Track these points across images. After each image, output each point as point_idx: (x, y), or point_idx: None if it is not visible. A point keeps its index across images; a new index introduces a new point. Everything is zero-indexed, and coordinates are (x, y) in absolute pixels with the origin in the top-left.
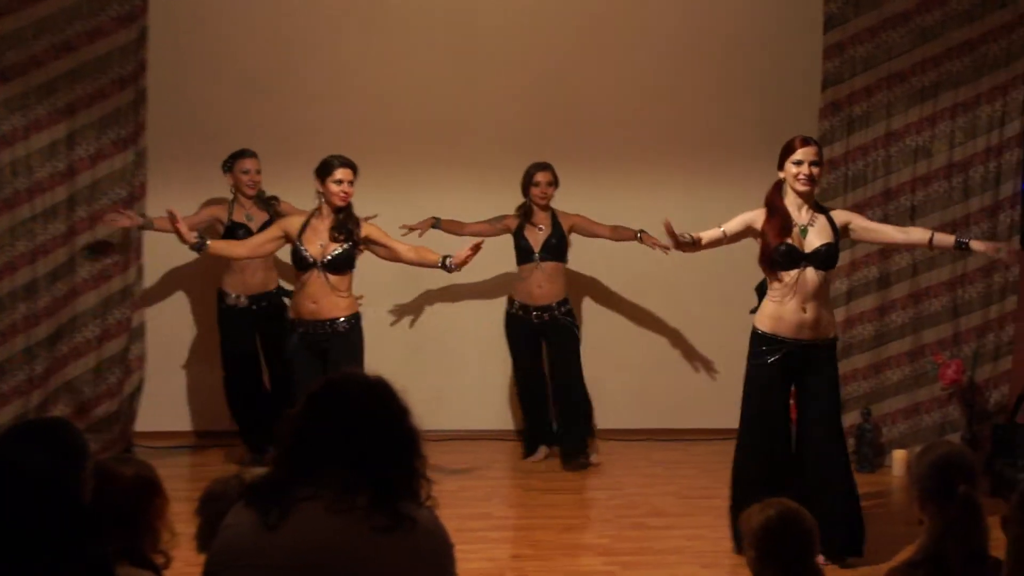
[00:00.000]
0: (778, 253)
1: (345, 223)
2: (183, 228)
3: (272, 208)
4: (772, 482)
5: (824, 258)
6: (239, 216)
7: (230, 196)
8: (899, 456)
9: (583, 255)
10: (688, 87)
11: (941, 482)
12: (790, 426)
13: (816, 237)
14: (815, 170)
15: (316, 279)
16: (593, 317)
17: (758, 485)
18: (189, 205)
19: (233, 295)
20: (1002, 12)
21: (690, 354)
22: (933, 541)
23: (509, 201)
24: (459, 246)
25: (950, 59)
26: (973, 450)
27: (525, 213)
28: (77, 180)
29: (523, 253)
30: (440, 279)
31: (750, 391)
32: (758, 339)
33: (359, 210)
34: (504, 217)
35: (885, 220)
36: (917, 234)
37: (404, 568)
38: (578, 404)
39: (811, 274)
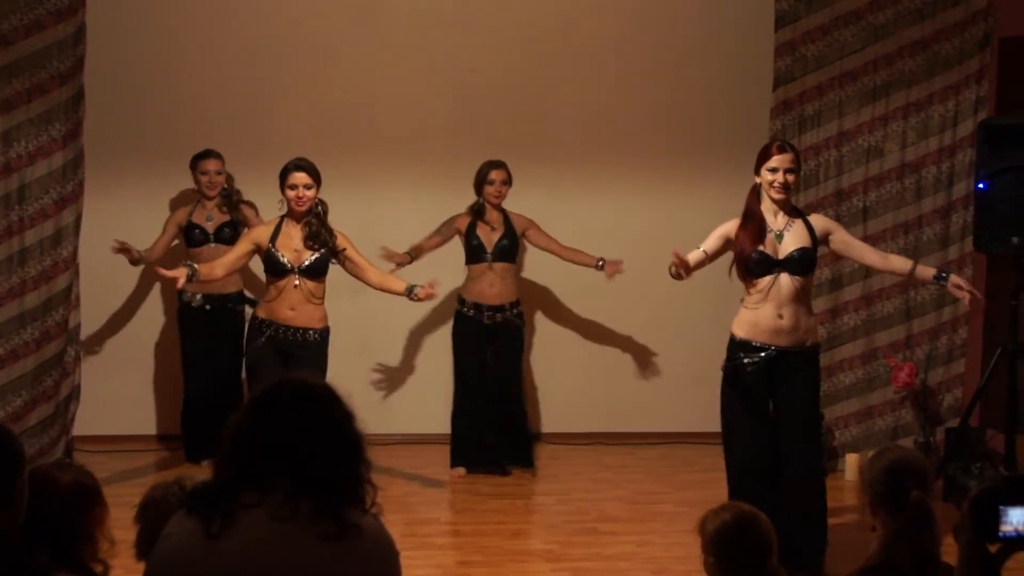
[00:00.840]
0: (751, 260)
1: (319, 233)
2: (178, 278)
3: (236, 213)
4: (763, 486)
5: (798, 263)
6: (199, 217)
7: (196, 195)
8: (852, 460)
9: (531, 259)
10: (642, 87)
11: (893, 487)
12: (768, 432)
13: (791, 242)
14: (790, 177)
15: (293, 285)
16: (541, 321)
17: (753, 491)
18: (127, 202)
19: (189, 293)
20: (954, 10)
21: (637, 358)
22: (885, 547)
23: (466, 200)
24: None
25: (902, 58)
26: (926, 454)
27: (477, 211)
28: (13, 178)
29: (474, 252)
30: None
31: (729, 399)
32: (735, 346)
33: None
34: (453, 220)
35: (837, 220)
36: (897, 263)
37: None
38: (519, 408)
39: (785, 280)
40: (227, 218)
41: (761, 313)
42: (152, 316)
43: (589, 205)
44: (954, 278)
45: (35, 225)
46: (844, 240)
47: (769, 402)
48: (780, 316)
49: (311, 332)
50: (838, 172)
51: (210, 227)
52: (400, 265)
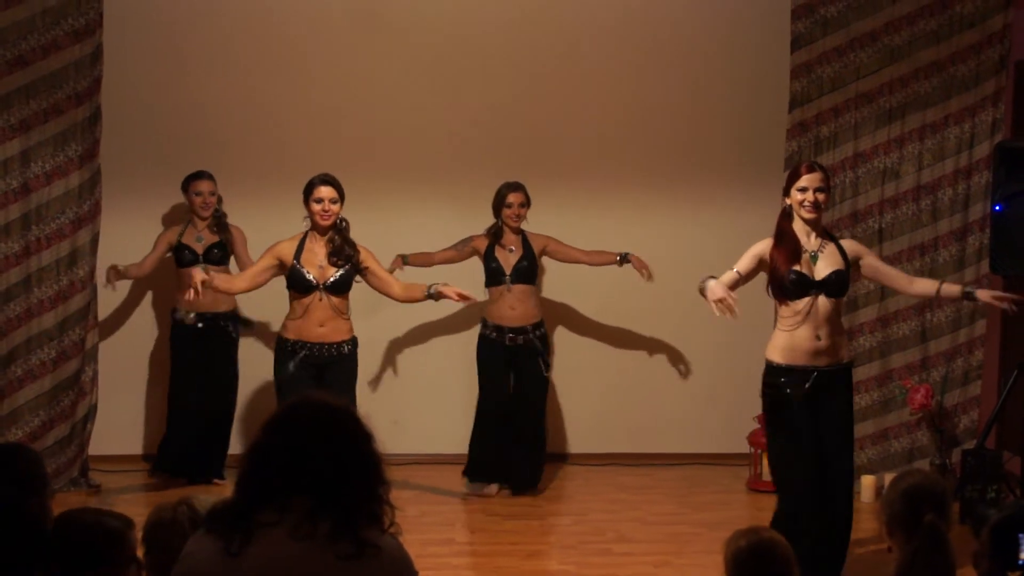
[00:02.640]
0: (789, 281)
1: (342, 248)
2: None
3: (226, 234)
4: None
5: (835, 286)
6: (188, 238)
7: (186, 215)
8: (868, 482)
9: (553, 279)
10: (658, 107)
11: (910, 510)
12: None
13: (826, 264)
14: (820, 196)
15: (320, 302)
16: (559, 341)
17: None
18: (144, 223)
19: (182, 311)
20: (970, 33)
21: (654, 379)
22: (901, 569)
23: (480, 219)
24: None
25: (918, 80)
26: (942, 476)
27: (495, 234)
28: (31, 198)
29: (493, 275)
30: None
31: (775, 428)
32: (775, 372)
33: None
34: (471, 239)
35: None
36: (924, 286)
37: None
38: (539, 432)
39: (823, 302)
40: (216, 239)
41: (798, 335)
42: (165, 335)
43: (604, 225)
44: (983, 292)
45: (52, 245)
46: (874, 265)
47: (814, 425)
48: (818, 338)
49: (345, 345)
50: (854, 194)
51: (199, 248)
52: (393, 270)
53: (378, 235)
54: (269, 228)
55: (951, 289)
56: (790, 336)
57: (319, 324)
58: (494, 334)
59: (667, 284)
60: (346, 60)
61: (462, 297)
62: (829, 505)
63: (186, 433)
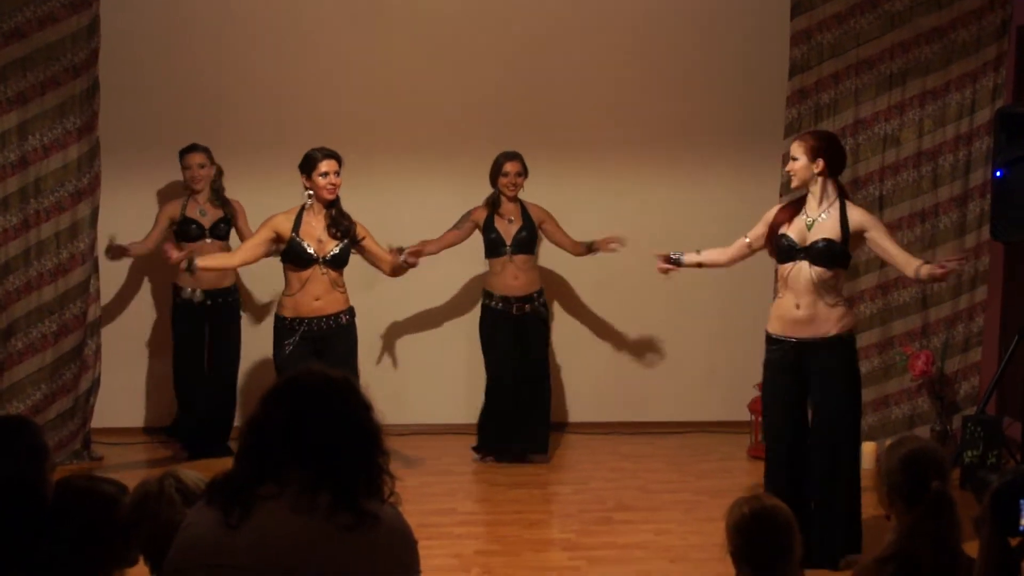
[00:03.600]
0: (777, 245)
1: (340, 220)
2: (174, 255)
3: (228, 208)
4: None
5: (819, 254)
6: (192, 212)
7: (186, 189)
8: (868, 449)
9: (550, 250)
10: (656, 75)
11: (911, 478)
12: (800, 422)
13: (819, 232)
14: (793, 165)
15: (319, 276)
16: (558, 312)
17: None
18: (143, 194)
19: (188, 289)
20: None
21: (655, 348)
22: (902, 537)
23: (479, 194)
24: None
25: (919, 46)
26: (942, 442)
27: (492, 203)
28: (29, 171)
29: (493, 246)
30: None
31: (764, 390)
32: (767, 340)
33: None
34: (470, 213)
35: None
36: (910, 270)
37: (368, 566)
38: (546, 395)
39: (804, 269)
40: (221, 213)
41: (782, 303)
42: (166, 309)
43: (602, 195)
44: (926, 268)
45: (51, 218)
46: (876, 241)
47: (801, 395)
48: (797, 307)
49: (342, 316)
50: (854, 160)
51: (206, 222)
52: (416, 256)
53: (376, 210)
54: (268, 202)
55: (929, 271)
56: (777, 304)
57: (315, 298)
58: (500, 305)
59: (666, 251)
60: (346, 34)
61: (415, 254)
62: (823, 480)
63: (199, 409)
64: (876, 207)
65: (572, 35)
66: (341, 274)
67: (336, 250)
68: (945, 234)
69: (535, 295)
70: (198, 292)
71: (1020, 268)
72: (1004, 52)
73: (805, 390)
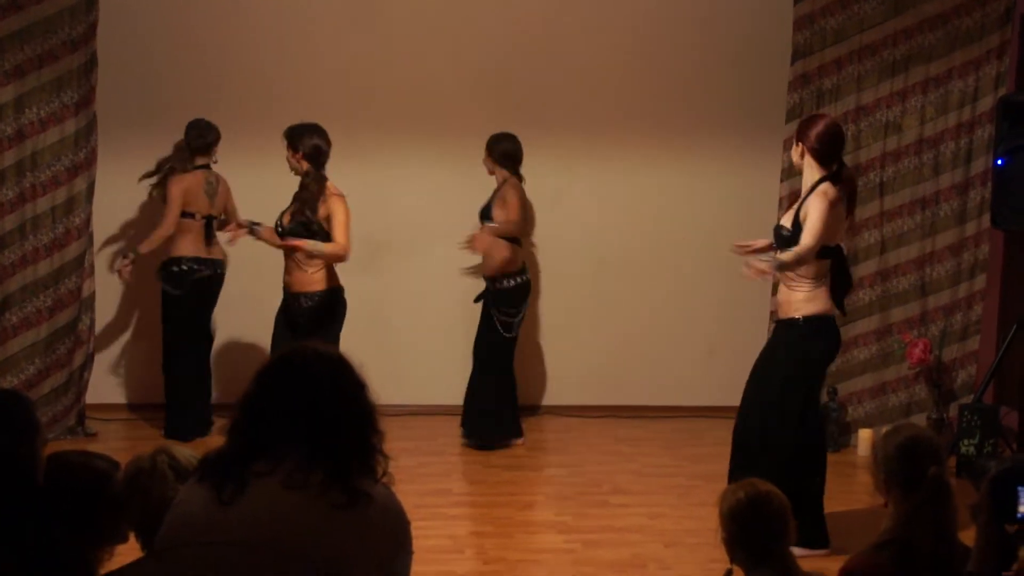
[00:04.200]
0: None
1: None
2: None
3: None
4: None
5: (775, 237)
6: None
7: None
8: (865, 436)
9: (549, 231)
10: (658, 58)
11: (907, 465)
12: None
13: (782, 217)
14: (789, 154)
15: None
16: (555, 295)
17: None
18: (139, 170)
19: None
20: None
21: (650, 331)
22: (899, 524)
23: (472, 172)
24: None
25: (922, 32)
26: (939, 431)
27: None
28: (26, 145)
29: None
30: (398, 253)
31: None
32: None
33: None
34: (516, 187)
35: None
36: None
37: (360, 544)
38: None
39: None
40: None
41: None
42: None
43: (602, 177)
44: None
45: (47, 192)
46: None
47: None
48: (775, 289)
49: (299, 295)
50: (856, 147)
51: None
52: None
53: (368, 189)
54: (266, 177)
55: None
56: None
57: (287, 272)
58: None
59: (667, 236)
60: (347, 12)
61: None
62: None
63: (193, 392)
64: (877, 194)
65: (574, 16)
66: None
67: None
68: (945, 221)
69: None
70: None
71: (1020, 256)
72: (1007, 40)
73: None
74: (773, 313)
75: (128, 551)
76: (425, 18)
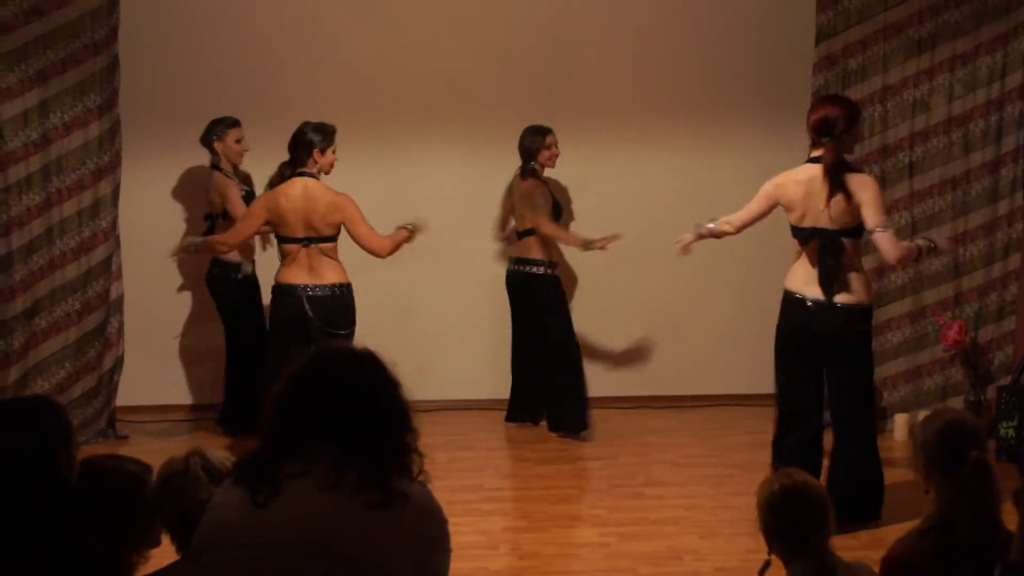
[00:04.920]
0: None
1: None
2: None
3: (250, 184)
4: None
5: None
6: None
7: (214, 167)
8: (901, 420)
9: (579, 221)
10: (681, 41)
11: (948, 450)
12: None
13: None
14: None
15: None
16: (585, 286)
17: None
18: (164, 171)
19: (244, 264)
20: None
21: (681, 321)
22: (941, 509)
23: (498, 163)
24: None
25: (948, 9)
26: (977, 413)
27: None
28: (51, 149)
29: (556, 215)
30: (423, 247)
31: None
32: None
33: (344, 177)
34: (543, 185)
35: (882, 177)
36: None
37: (397, 544)
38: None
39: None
40: (246, 188)
41: None
42: (190, 285)
43: (628, 165)
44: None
45: (73, 196)
46: None
47: None
48: None
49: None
50: (883, 128)
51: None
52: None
53: (393, 182)
54: None
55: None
56: None
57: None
58: (557, 271)
59: (691, 221)
60: (363, 4)
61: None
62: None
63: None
64: (906, 175)
65: (595, 5)
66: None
67: None
68: (977, 200)
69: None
70: (249, 266)
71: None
72: None
73: None
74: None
75: (162, 554)
76: (447, 8)
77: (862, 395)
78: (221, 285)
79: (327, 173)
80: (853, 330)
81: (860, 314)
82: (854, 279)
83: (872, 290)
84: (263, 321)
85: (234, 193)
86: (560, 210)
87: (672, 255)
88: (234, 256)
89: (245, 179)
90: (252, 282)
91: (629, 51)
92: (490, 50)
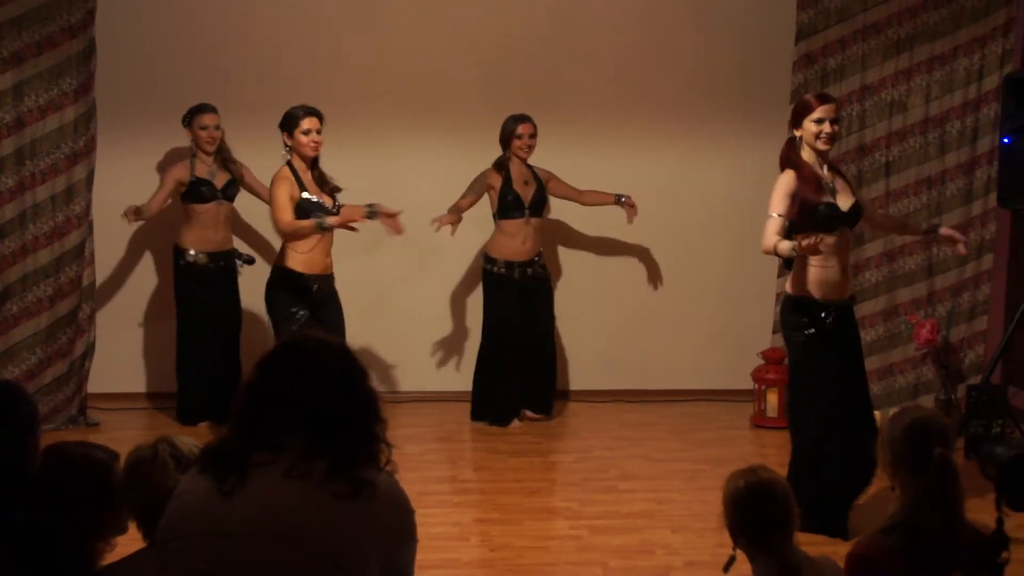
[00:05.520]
0: (820, 213)
1: (324, 178)
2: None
3: (236, 168)
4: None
5: (856, 218)
6: (202, 172)
7: (190, 151)
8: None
9: (555, 216)
10: (663, 39)
11: (914, 447)
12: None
13: (844, 197)
14: (836, 128)
15: (329, 233)
16: (563, 279)
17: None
18: (139, 157)
19: (192, 252)
20: None
21: (657, 316)
22: (906, 507)
23: (484, 154)
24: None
25: (927, 10)
26: (947, 411)
27: (503, 166)
28: (24, 133)
29: (511, 208)
30: (401, 240)
31: (816, 363)
32: (815, 307)
33: (331, 165)
34: (484, 176)
35: (859, 176)
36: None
37: (364, 534)
38: (553, 359)
39: (847, 234)
40: (228, 176)
41: (831, 270)
42: (164, 272)
43: (609, 160)
44: (945, 229)
45: (47, 181)
46: (868, 204)
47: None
48: (844, 271)
49: (332, 276)
50: (861, 127)
51: (216, 183)
52: (454, 224)
53: (380, 173)
54: (270, 164)
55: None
56: (823, 271)
57: (327, 255)
58: (503, 270)
59: (670, 219)
60: None
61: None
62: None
63: (203, 376)
64: (882, 174)
65: (577, 1)
66: None
67: (335, 208)
68: (952, 201)
69: (537, 258)
70: (202, 255)
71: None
72: (1013, 17)
73: None
74: (779, 295)
75: (129, 542)
76: (435, 2)
77: (792, 391)
78: (173, 271)
79: (309, 154)
80: (783, 320)
81: (788, 305)
82: (795, 271)
83: (807, 284)
84: (203, 310)
85: (167, 178)
86: (544, 203)
87: (652, 252)
88: (182, 242)
89: (225, 163)
90: (200, 270)
91: (609, 48)
92: (474, 47)
